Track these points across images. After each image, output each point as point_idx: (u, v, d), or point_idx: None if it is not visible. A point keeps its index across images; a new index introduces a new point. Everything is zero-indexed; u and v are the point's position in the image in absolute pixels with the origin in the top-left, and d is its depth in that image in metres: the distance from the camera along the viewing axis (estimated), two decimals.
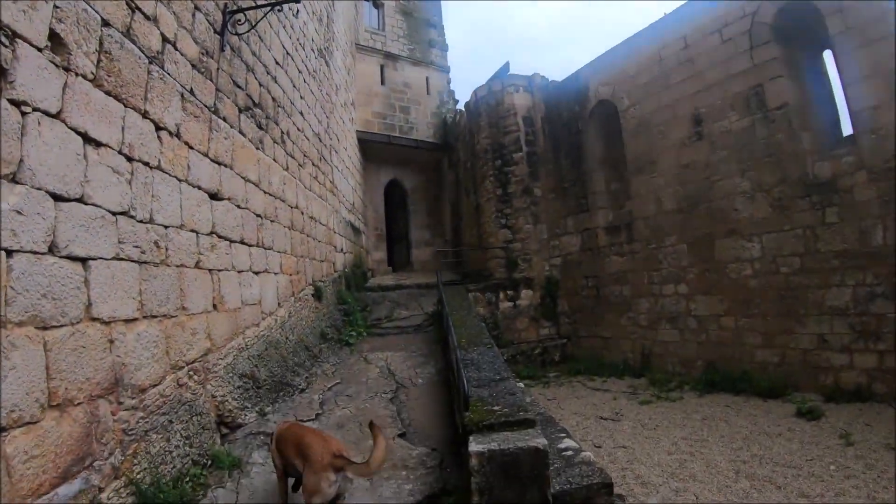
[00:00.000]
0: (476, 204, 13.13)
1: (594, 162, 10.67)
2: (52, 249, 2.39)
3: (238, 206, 4.89)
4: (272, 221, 5.95)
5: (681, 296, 8.68)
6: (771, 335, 7.29)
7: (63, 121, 2.49)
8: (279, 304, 5.99)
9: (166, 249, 3.48)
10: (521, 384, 4.78)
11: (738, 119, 7.74)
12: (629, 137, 9.69)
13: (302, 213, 7.39)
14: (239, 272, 4.80)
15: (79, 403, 2.48)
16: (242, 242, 4.95)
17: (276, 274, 5.96)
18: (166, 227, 3.50)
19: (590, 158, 10.73)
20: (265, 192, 5.75)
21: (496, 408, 3.22)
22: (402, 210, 17.54)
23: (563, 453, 3.34)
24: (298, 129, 7.50)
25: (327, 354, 6.96)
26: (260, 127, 5.68)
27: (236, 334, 4.62)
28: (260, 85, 5.70)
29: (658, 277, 9.10)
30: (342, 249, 10.61)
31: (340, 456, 2.75)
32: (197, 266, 3.95)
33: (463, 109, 14.20)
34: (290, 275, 6.58)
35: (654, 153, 9.15)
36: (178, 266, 3.64)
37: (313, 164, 8.44)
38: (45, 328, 2.30)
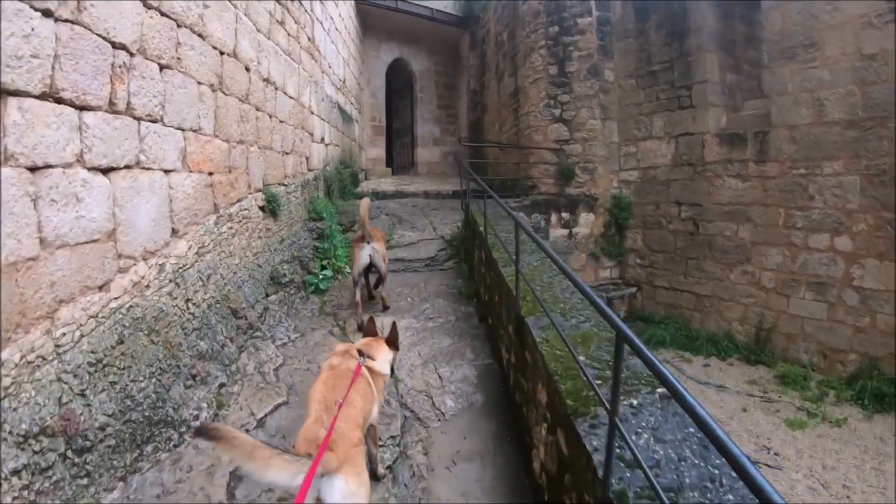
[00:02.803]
0: (514, 88, 9.58)
1: (704, 37, 7.22)
2: None
3: (50, 17, 1.69)
4: (164, 68, 2.75)
5: (839, 253, 5.78)
6: None
7: None
8: (174, 232, 2.93)
9: None
10: None
11: None
12: (771, 4, 6.38)
13: (247, 70, 4.15)
14: (32, 170, 1.71)
15: None
16: (55, 98, 1.81)
17: (167, 172, 2.84)
18: None
19: (697, 32, 7.28)
20: (147, 7, 2.52)
21: None
22: (408, 99, 14.38)
23: None
24: None
25: (276, 317, 4.04)
26: None
27: (17, 326, 1.62)
28: None
29: (803, 220, 6.13)
30: (323, 139, 7.37)
31: None
32: None
33: None
34: (210, 174, 3.46)
35: (814, 31, 5.91)
36: None
37: (278, 1, 5.01)
38: None
